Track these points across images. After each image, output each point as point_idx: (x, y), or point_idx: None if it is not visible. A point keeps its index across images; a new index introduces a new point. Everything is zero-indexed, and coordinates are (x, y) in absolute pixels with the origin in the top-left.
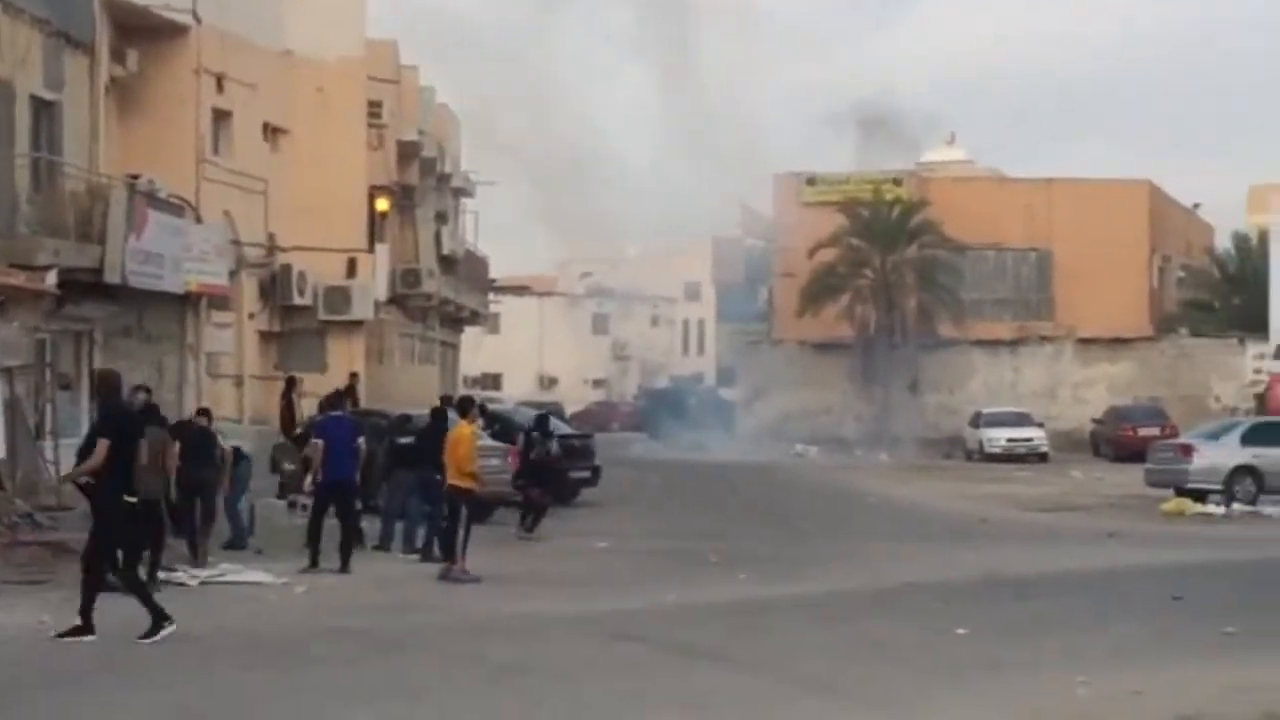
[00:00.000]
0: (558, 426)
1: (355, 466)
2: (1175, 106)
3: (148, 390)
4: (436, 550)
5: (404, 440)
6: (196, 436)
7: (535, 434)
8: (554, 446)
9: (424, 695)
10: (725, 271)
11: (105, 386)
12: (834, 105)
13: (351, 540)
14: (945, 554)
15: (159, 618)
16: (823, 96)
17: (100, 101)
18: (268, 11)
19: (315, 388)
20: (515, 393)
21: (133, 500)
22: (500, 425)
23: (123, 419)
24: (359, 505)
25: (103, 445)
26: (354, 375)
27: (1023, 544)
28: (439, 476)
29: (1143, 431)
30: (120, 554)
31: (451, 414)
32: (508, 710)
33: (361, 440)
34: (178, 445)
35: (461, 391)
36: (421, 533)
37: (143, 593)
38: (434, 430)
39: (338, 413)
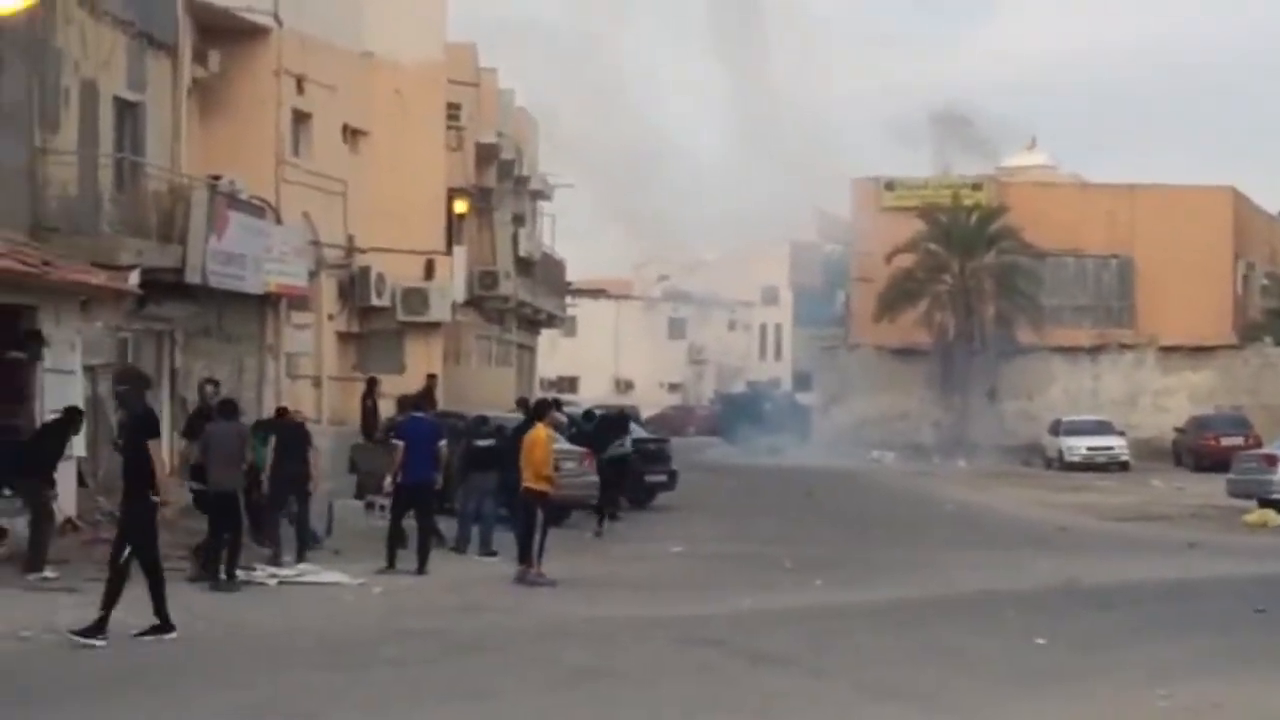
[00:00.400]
0: (632, 430)
1: (435, 468)
2: (1260, 113)
3: (216, 384)
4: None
5: (481, 442)
6: (290, 432)
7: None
8: (627, 444)
9: (497, 697)
10: (803, 276)
11: (133, 384)
12: (913, 110)
13: (429, 542)
14: (1023, 562)
15: (99, 625)
16: (902, 101)
17: (183, 102)
18: (347, 14)
19: (392, 389)
20: (591, 396)
21: (157, 499)
22: (577, 428)
23: (136, 419)
24: (437, 507)
25: (155, 445)
26: (431, 377)
27: (1102, 553)
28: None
29: (1225, 441)
30: (128, 550)
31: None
32: (580, 714)
33: (443, 443)
34: (274, 440)
35: (538, 394)
36: (499, 535)
37: (113, 593)
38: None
39: (419, 414)
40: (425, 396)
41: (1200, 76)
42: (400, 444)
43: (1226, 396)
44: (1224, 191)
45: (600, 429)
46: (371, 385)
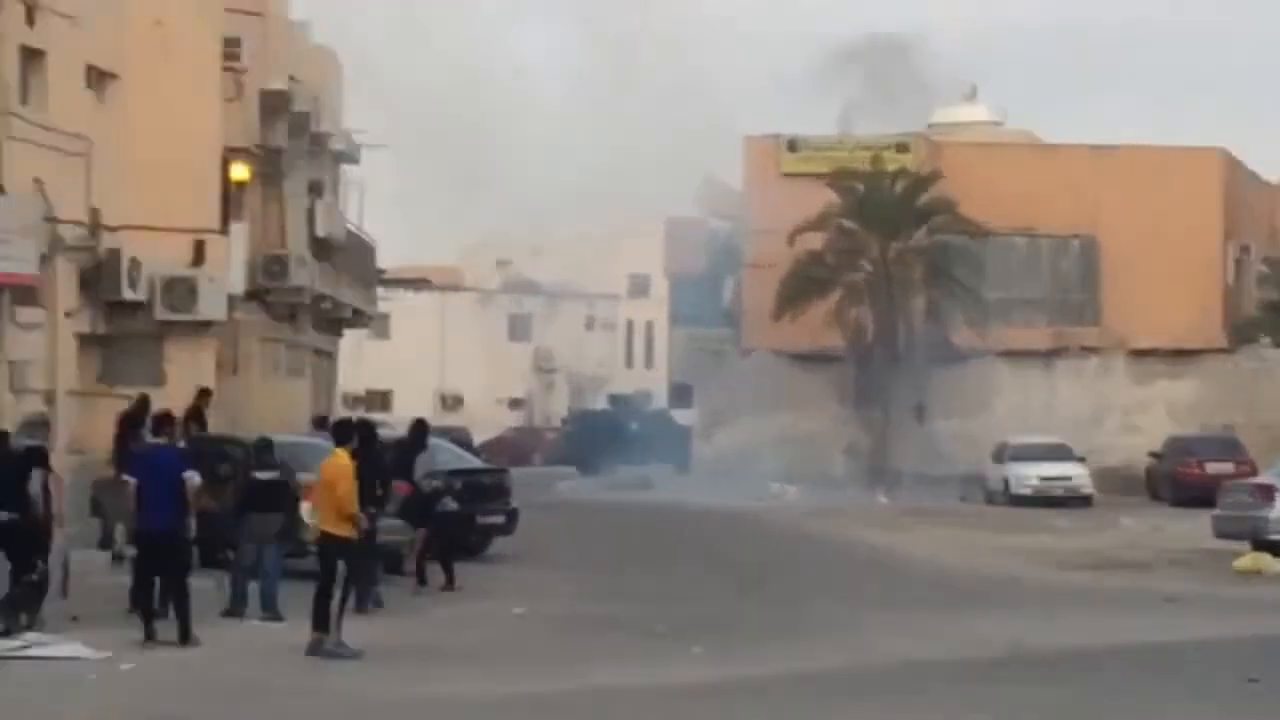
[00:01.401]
0: (437, 451)
1: (184, 510)
2: (1260, 62)
3: None
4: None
5: (263, 475)
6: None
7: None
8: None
9: None
10: (681, 261)
11: None
12: (821, 51)
13: (185, 605)
14: (956, 623)
15: None
16: (808, 42)
17: None
18: None
19: (154, 406)
20: (409, 414)
21: None
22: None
23: None
24: (193, 558)
25: None
26: (205, 392)
27: (1057, 610)
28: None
29: (1211, 468)
30: None
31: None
32: None
33: (190, 475)
34: None
35: (340, 413)
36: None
37: None
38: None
39: (159, 440)
40: (192, 417)
41: (1187, 14)
42: (131, 481)
43: (1214, 412)
44: (1212, 155)
45: (400, 452)
46: (139, 409)
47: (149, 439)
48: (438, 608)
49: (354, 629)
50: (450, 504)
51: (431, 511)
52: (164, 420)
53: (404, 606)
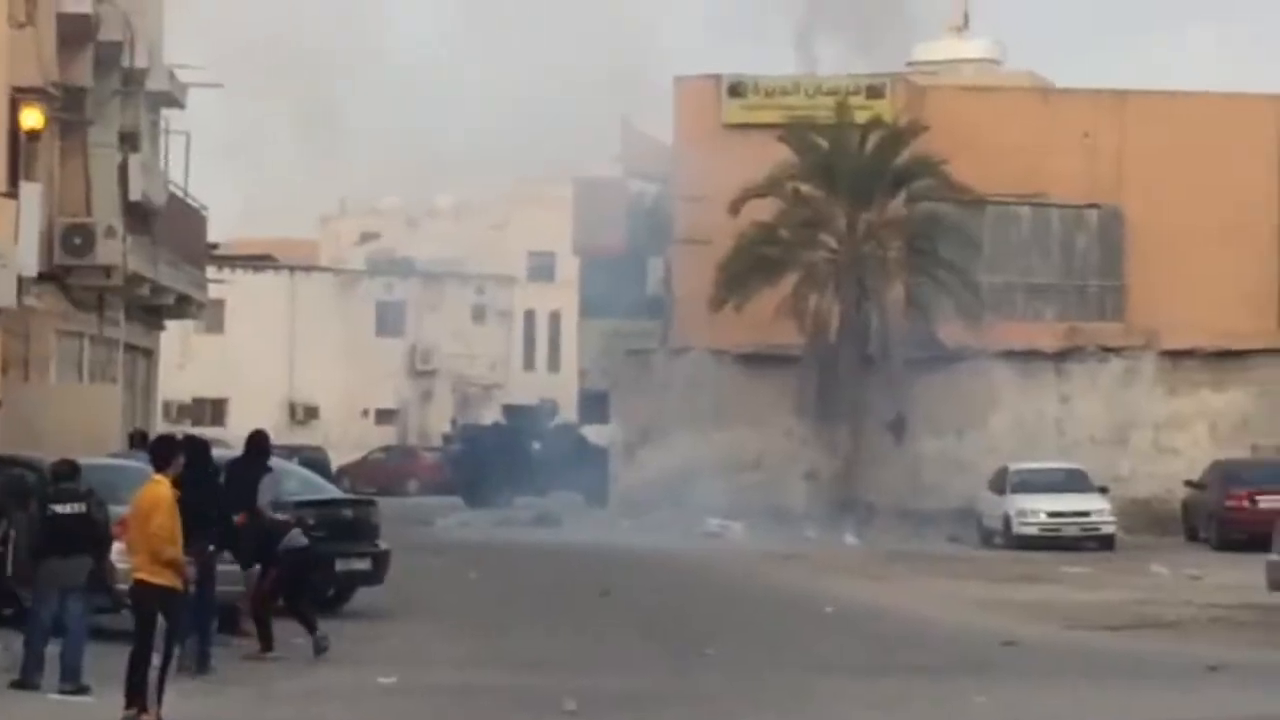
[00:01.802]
0: (284, 477)
1: None
2: None
3: None
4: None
5: (63, 508)
6: None
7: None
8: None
9: None
10: (595, 234)
11: None
12: None
13: None
14: (944, 697)
15: None
16: None
17: None
18: None
19: None
20: (248, 430)
21: None
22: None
23: None
24: None
25: None
26: None
27: (1070, 681)
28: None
29: (1264, 502)
30: None
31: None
32: None
33: None
34: None
35: (162, 427)
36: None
37: None
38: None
39: None
40: None
41: None
42: None
43: (1268, 431)
44: (1266, 102)
45: (234, 474)
46: None
47: None
48: (286, 678)
49: (180, 703)
50: (299, 539)
51: (274, 548)
52: None
53: (243, 675)
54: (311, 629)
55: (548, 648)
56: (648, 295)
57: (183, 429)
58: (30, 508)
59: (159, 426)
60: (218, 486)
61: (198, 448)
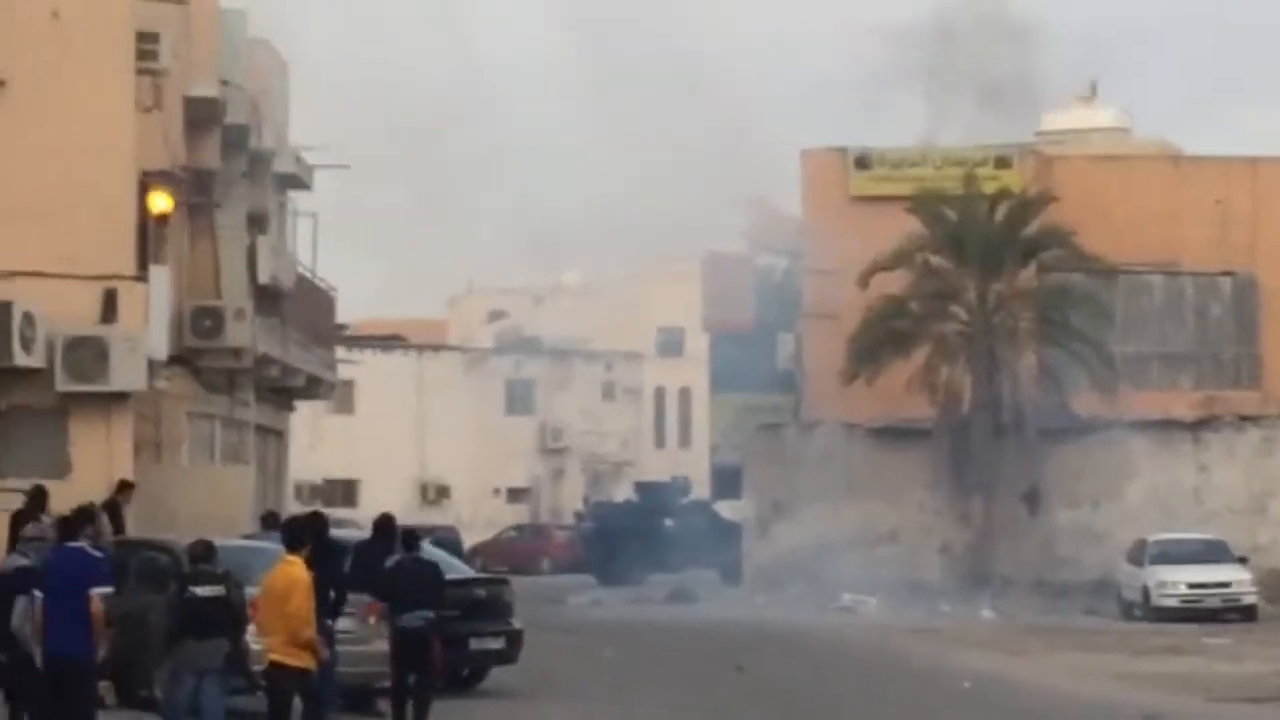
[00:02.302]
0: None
1: (88, 634)
2: None
3: None
4: None
5: (203, 590)
6: None
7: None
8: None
9: None
10: (724, 309)
11: None
12: (895, 37)
13: None
14: None
15: None
16: (879, 35)
17: None
18: None
19: (57, 502)
20: (379, 508)
21: None
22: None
23: None
24: (108, 695)
25: None
26: (125, 485)
27: None
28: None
29: None
30: None
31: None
32: None
33: (101, 591)
34: None
35: (292, 508)
36: None
37: None
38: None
39: (77, 543)
40: (107, 513)
41: None
42: (38, 596)
43: None
44: None
45: (361, 556)
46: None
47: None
48: None
49: None
50: (416, 619)
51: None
52: (81, 517)
53: None
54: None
55: None
56: (778, 370)
57: (311, 509)
58: (168, 590)
59: (290, 508)
60: (340, 565)
61: (316, 525)
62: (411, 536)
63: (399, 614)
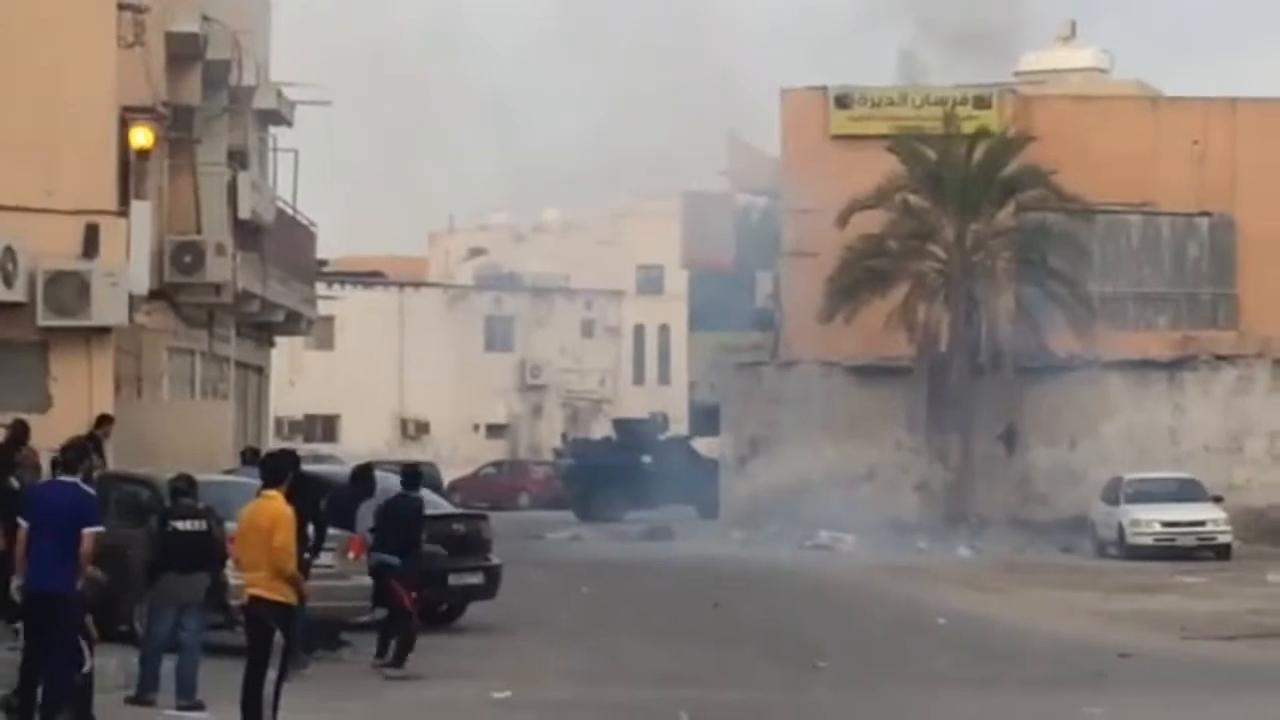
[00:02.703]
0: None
1: (73, 570)
2: None
3: None
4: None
5: (183, 524)
6: None
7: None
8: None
9: None
10: (703, 248)
11: None
12: None
13: (59, 695)
14: (1059, 710)
15: None
16: None
17: None
18: None
19: (38, 436)
20: (360, 445)
21: None
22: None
23: None
24: (91, 631)
25: None
26: (105, 419)
27: (1189, 694)
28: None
29: None
30: None
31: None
32: None
33: (93, 530)
34: None
35: (272, 443)
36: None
37: None
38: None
39: (70, 477)
40: (89, 447)
41: None
42: (23, 526)
43: None
44: None
45: (337, 500)
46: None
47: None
48: (397, 692)
49: (294, 719)
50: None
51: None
52: (77, 450)
53: (353, 690)
54: (380, 652)
55: (660, 661)
56: (756, 308)
57: (295, 445)
58: (148, 524)
59: (271, 443)
60: (316, 501)
61: (291, 461)
62: (414, 475)
63: (378, 550)
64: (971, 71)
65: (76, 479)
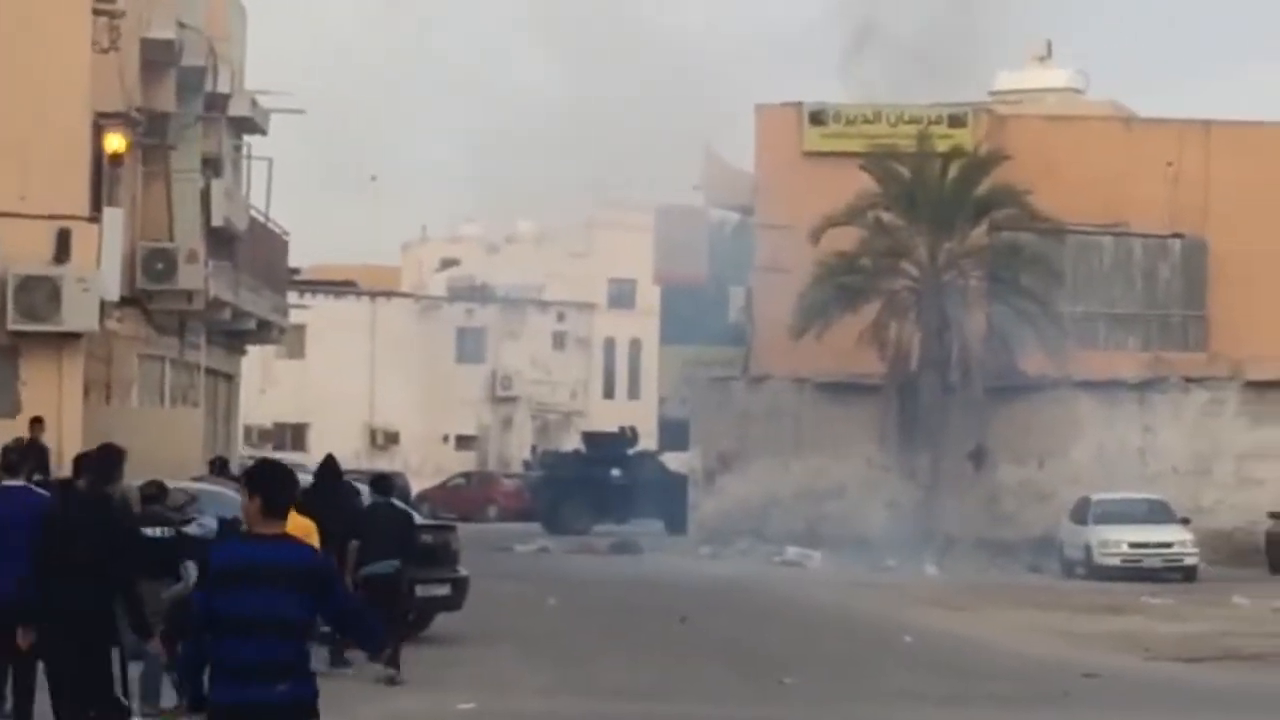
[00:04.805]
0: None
1: (22, 574)
2: None
3: None
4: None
5: (152, 531)
6: None
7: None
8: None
9: None
10: (676, 262)
11: None
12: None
13: (27, 707)
14: None
15: None
16: None
17: None
18: None
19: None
20: (330, 453)
21: None
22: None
23: None
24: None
25: None
26: (37, 421)
27: (1151, 714)
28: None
29: None
30: None
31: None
32: None
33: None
34: None
35: (241, 452)
36: (168, 680)
37: None
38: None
39: (13, 481)
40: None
41: None
42: None
43: None
44: None
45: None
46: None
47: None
48: (365, 703)
49: None
50: (387, 565)
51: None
52: (20, 451)
53: (322, 700)
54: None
55: (626, 675)
56: (728, 323)
57: (264, 454)
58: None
59: (240, 451)
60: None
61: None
62: (384, 482)
63: (367, 560)
64: (947, 91)
65: (22, 481)
